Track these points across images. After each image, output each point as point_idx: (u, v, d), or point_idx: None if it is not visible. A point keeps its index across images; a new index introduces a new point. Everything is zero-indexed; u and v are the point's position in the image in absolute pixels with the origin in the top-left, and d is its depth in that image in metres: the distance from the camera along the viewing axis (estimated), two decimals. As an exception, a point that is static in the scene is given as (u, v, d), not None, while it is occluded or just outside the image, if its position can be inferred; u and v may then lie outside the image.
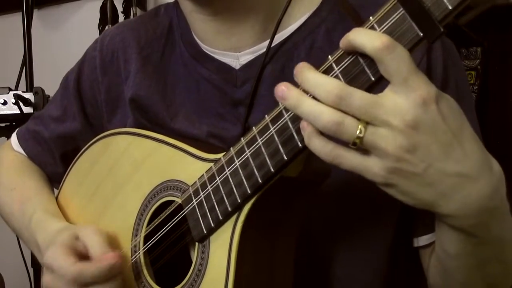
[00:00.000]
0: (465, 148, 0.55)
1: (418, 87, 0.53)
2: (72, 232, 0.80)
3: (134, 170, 0.83)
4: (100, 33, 1.93)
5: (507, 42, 1.37)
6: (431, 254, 0.80)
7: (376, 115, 0.53)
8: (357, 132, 0.54)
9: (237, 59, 0.84)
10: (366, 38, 0.53)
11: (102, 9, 1.94)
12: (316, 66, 0.58)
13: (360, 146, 0.54)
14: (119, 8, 1.93)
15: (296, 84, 0.60)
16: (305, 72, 0.57)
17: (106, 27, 1.91)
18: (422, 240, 0.81)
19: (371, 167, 0.55)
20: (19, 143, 1.05)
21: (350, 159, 0.56)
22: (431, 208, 0.57)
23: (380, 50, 0.52)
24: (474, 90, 1.38)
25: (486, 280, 0.69)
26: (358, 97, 0.54)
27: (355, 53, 0.55)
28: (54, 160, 1.03)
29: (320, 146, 0.56)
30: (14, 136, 1.07)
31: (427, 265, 0.81)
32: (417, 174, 0.54)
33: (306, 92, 0.57)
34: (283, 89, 0.58)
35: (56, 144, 1.02)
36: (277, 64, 0.82)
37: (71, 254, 0.76)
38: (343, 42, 0.56)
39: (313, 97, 0.56)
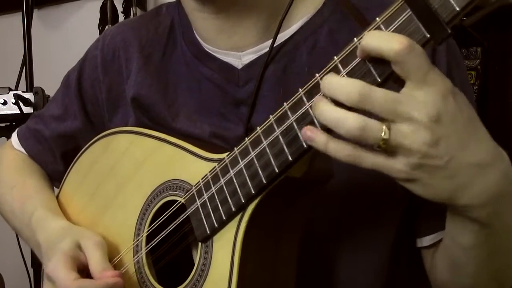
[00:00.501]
0: (479, 137, 0.56)
1: (436, 82, 0.53)
2: (74, 240, 0.81)
3: (136, 169, 0.83)
4: (100, 33, 1.93)
5: (507, 42, 1.37)
6: (434, 253, 0.80)
7: (400, 112, 0.53)
8: (382, 135, 0.53)
9: (240, 59, 0.83)
10: (381, 41, 0.53)
11: (102, 9, 1.93)
12: (320, 66, 0.58)
13: (384, 148, 0.54)
14: (119, 8, 1.92)
15: (299, 85, 0.60)
16: (325, 78, 0.56)
17: (106, 27, 1.91)
18: (426, 241, 0.80)
19: (394, 165, 0.55)
20: (19, 142, 1.05)
21: (371, 159, 0.55)
22: (449, 201, 0.58)
23: (400, 51, 0.51)
24: (474, 90, 1.38)
25: (493, 275, 0.70)
26: (381, 95, 0.53)
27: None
28: (55, 158, 1.03)
29: (339, 149, 0.55)
30: (14, 135, 1.07)
31: (430, 265, 0.81)
32: (440, 167, 0.54)
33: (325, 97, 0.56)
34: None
35: (56, 143, 1.02)
36: (279, 64, 0.81)
37: (72, 267, 0.77)
38: (358, 52, 0.55)
39: (333, 101, 0.55)
